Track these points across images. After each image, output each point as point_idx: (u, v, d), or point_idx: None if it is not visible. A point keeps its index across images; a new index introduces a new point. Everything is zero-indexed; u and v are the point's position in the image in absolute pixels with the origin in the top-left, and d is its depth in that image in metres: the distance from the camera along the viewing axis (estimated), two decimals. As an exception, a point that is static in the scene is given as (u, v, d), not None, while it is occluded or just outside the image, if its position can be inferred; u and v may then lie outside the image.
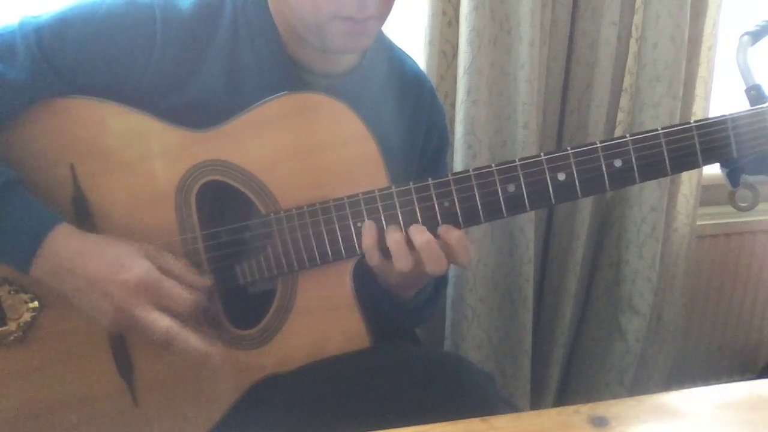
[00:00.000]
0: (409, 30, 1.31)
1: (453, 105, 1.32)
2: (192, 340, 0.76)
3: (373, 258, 0.79)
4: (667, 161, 0.77)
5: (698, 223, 1.60)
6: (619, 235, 1.51)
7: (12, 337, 0.81)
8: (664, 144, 0.77)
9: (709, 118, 0.78)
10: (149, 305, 0.75)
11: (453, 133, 1.31)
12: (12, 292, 0.80)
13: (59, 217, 0.77)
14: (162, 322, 0.74)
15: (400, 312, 0.94)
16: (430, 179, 0.79)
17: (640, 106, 1.39)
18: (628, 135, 0.78)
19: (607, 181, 0.78)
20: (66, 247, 0.75)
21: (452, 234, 0.78)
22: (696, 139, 0.77)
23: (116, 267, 0.75)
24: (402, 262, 0.78)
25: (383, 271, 0.82)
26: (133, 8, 0.81)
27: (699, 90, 1.48)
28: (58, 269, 0.75)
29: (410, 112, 0.97)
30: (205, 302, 0.80)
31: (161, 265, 0.77)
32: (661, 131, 0.77)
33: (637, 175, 0.78)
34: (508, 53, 1.30)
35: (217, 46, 0.83)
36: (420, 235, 0.77)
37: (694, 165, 0.78)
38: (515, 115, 1.32)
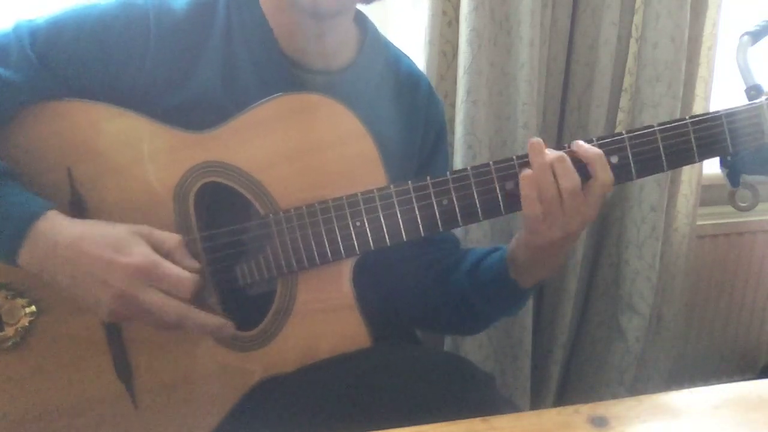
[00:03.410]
0: (409, 30, 1.31)
1: (453, 105, 1.31)
2: (204, 317, 0.75)
3: (532, 205, 0.77)
4: (663, 157, 0.78)
5: (698, 223, 1.60)
6: (619, 235, 1.51)
7: (10, 343, 0.80)
8: (660, 140, 0.78)
9: (704, 114, 0.79)
10: (152, 289, 0.73)
11: (453, 133, 1.31)
12: (9, 297, 0.80)
13: (49, 204, 0.75)
14: (172, 303, 0.73)
15: (503, 303, 0.93)
16: (428, 178, 0.79)
17: (640, 106, 1.39)
18: (624, 131, 0.79)
19: None
20: (56, 234, 0.73)
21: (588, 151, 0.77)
22: (691, 134, 0.78)
23: (113, 253, 0.72)
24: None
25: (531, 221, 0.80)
26: (127, 9, 0.81)
27: (699, 90, 1.48)
28: (49, 258, 0.73)
29: (407, 110, 0.96)
30: (203, 282, 0.78)
31: (156, 246, 0.75)
32: (657, 127, 0.78)
33: (633, 171, 0.79)
34: (508, 53, 1.30)
35: (211, 45, 0.83)
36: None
37: (690, 160, 0.79)
38: (515, 115, 1.32)
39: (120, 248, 0.73)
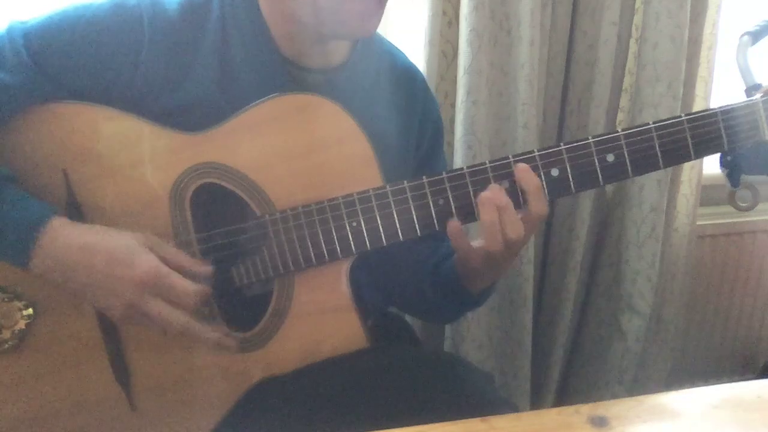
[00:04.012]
0: (409, 30, 1.31)
1: (453, 105, 1.31)
2: (208, 331, 0.78)
3: (459, 240, 0.81)
4: (659, 155, 0.78)
5: (698, 223, 1.60)
6: (619, 235, 1.51)
7: (6, 345, 0.80)
8: (655, 138, 0.78)
9: (699, 112, 0.79)
10: (160, 301, 0.75)
11: (453, 133, 1.31)
12: (6, 300, 0.80)
13: (54, 210, 0.76)
14: (177, 317, 0.76)
15: (458, 305, 0.95)
16: (424, 177, 0.79)
17: (640, 106, 1.39)
18: (620, 130, 0.78)
19: (600, 176, 0.79)
20: (65, 240, 0.74)
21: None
22: (687, 132, 0.78)
23: (122, 263, 0.74)
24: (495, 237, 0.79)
25: (466, 253, 0.83)
26: (120, 10, 0.81)
27: (699, 90, 1.48)
28: (59, 265, 0.74)
29: (404, 104, 0.96)
30: (210, 291, 0.79)
31: (164, 256, 0.77)
32: (652, 125, 0.78)
33: (629, 169, 0.79)
34: (508, 53, 1.30)
35: (206, 45, 0.83)
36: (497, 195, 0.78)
37: (686, 158, 0.80)
38: (515, 115, 1.32)
39: (127, 261, 0.74)
